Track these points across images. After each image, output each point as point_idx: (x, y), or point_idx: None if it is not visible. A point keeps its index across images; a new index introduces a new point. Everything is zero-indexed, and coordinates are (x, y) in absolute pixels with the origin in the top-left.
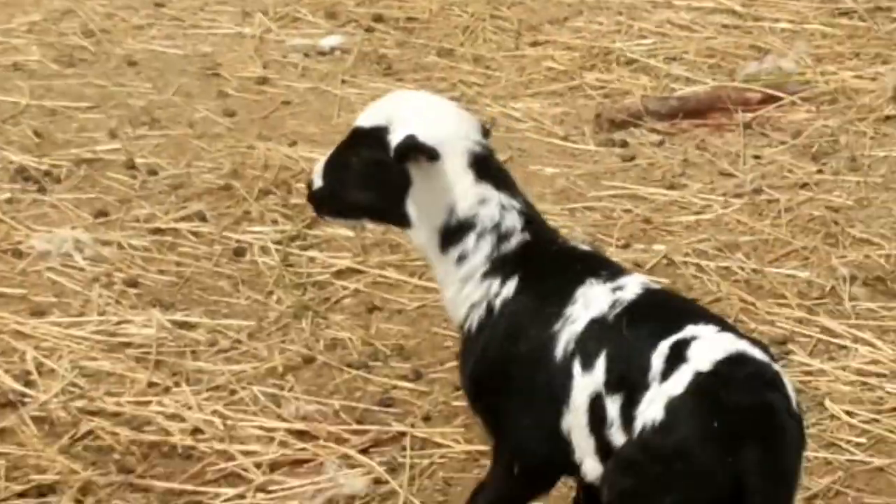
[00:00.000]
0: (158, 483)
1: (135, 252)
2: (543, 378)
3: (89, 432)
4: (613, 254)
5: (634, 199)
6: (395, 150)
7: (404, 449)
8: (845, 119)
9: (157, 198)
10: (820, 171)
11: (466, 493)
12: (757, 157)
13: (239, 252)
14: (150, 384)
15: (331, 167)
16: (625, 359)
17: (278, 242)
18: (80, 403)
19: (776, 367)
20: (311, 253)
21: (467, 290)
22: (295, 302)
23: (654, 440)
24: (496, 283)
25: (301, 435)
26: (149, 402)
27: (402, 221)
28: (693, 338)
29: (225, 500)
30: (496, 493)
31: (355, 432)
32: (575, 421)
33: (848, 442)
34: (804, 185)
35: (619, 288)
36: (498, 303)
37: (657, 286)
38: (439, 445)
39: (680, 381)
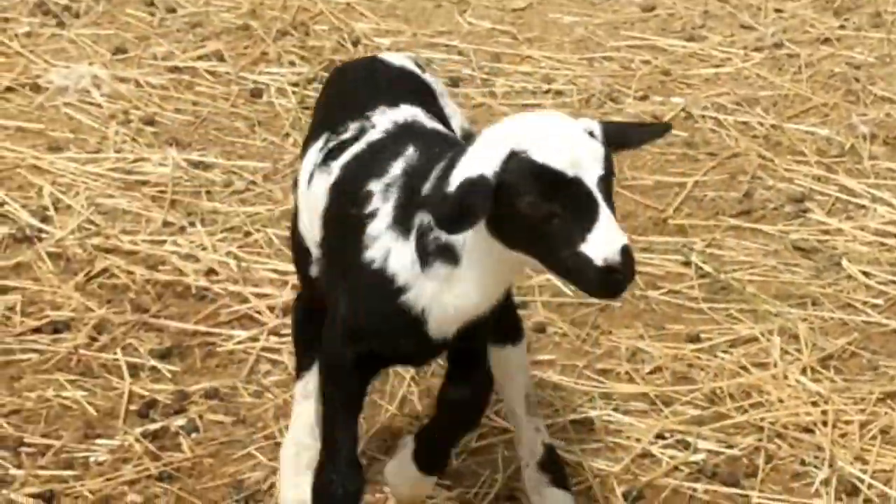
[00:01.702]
0: (172, 323)
1: (152, 90)
2: None
3: (104, 270)
4: (631, 105)
5: (653, 50)
6: None
7: None
8: None
9: (175, 36)
10: (842, 27)
11: None
12: (779, 10)
13: (256, 93)
14: (166, 223)
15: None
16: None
17: (295, 84)
18: (95, 241)
19: None
20: None
21: None
22: None
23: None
24: None
25: None
26: (164, 242)
27: None
28: None
29: (238, 342)
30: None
31: None
32: None
33: (864, 303)
34: (826, 41)
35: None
36: None
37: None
38: None
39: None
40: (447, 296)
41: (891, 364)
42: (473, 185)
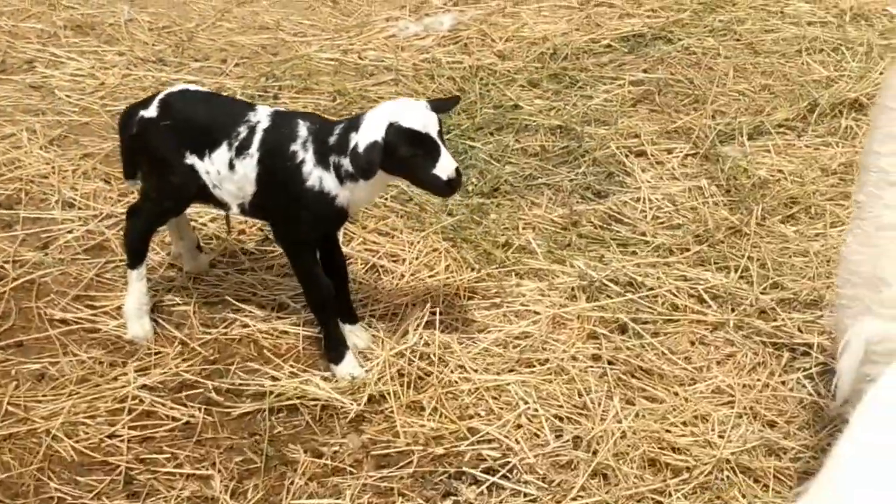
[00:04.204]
0: None
1: None
2: None
3: None
4: None
5: None
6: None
7: None
8: None
9: None
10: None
11: None
12: None
13: None
14: None
15: None
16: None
17: None
18: None
19: None
20: None
21: None
22: None
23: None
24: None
25: None
26: None
27: None
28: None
29: None
30: None
31: None
32: None
33: None
34: None
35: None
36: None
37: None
38: None
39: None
40: (355, 197)
41: None
42: (373, 146)
